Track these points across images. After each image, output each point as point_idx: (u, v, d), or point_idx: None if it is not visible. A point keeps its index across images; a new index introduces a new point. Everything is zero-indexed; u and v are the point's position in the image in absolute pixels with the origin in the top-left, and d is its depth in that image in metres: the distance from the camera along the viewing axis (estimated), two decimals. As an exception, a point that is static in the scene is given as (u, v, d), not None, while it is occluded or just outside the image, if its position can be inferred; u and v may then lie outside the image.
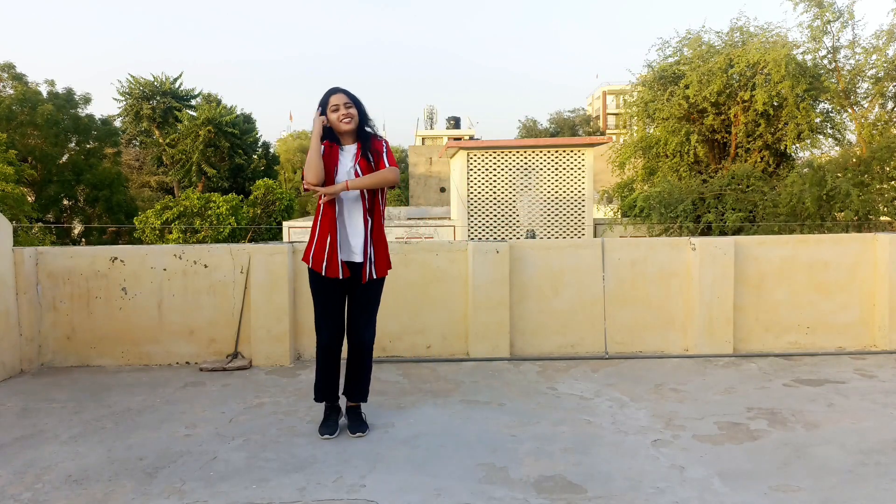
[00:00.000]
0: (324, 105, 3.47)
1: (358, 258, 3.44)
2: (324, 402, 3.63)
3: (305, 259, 3.51)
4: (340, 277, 3.40)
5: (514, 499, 2.79)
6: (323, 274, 3.41)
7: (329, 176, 3.40)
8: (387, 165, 3.44)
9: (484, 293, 5.18)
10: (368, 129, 3.54)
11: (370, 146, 3.48)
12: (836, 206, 13.50)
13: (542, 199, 19.02)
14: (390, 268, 3.60)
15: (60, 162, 28.67)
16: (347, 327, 3.57)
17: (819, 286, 5.39)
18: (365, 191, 3.41)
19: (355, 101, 3.48)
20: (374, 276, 3.48)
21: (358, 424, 3.57)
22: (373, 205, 3.46)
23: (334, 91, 3.47)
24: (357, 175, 3.42)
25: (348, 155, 3.48)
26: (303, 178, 3.44)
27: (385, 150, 3.51)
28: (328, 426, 3.55)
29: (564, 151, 19.05)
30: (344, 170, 3.44)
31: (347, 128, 3.44)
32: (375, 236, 3.47)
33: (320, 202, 3.41)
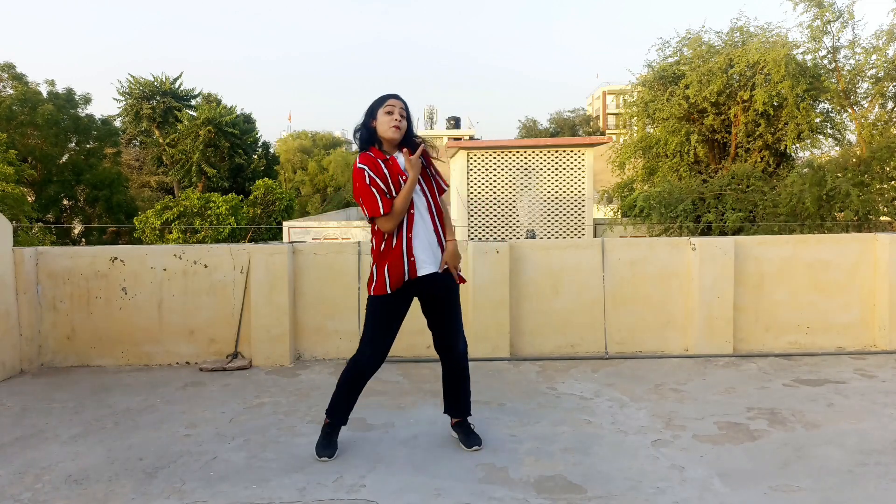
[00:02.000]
0: (377, 105, 3.20)
1: (434, 268, 3.21)
2: (333, 421, 3.31)
3: (378, 289, 3.17)
4: (412, 277, 3.17)
5: (514, 499, 2.79)
6: (406, 278, 3.14)
7: (396, 187, 3.13)
8: (444, 187, 3.35)
9: (484, 293, 5.18)
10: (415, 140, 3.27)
11: (426, 158, 3.24)
12: (836, 206, 13.50)
13: (542, 199, 19.02)
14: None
15: (60, 162, 28.68)
16: (442, 341, 3.34)
17: (819, 286, 5.39)
18: (431, 196, 3.25)
19: (408, 115, 3.23)
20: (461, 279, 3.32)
21: (474, 437, 3.36)
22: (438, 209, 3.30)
23: (395, 95, 3.22)
24: (423, 191, 3.21)
25: (399, 164, 3.22)
26: (371, 214, 3.12)
27: (436, 169, 3.33)
28: (331, 446, 3.26)
29: (564, 151, 19.05)
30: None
31: (393, 136, 3.15)
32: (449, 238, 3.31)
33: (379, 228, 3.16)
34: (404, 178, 3.14)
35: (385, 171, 3.14)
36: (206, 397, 4.30)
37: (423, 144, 3.22)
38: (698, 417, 3.77)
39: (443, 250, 3.25)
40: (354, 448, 3.37)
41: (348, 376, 3.26)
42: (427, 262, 3.18)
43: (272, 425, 3.74)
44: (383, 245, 3.18)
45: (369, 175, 3.12)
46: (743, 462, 3.13)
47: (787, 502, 2.73)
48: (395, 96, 3.21)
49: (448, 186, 3.35)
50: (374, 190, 3.11)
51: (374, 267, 3.21)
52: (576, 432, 3.56)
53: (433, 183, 3.29)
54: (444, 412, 3.48)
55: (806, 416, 3.77)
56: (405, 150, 3.16)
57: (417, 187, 3.18)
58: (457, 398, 3.42)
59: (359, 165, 3.15)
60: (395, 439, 3.48)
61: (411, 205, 3.17)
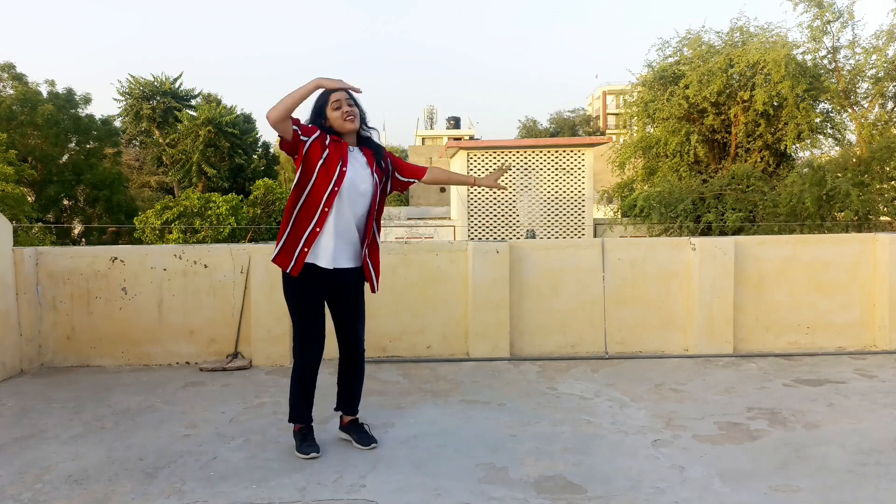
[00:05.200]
0: (322, 104, 3.15)
1: (349, 264, 3.21)
2: (302, 424, 3.35)
3: (281, 261, 3.15)
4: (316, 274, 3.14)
5: (514, 499, 2.79)
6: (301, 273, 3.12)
7: (331, 167, 3.07)
8: (391, 168, 3.34)
9: (484, 293, 5.18)
10: (366, 132, 3.27)
11: (383, 156, 3.28)
12: (836, 206, 13.51)
13: (542, 199, 19.02)
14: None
15: (60, 162, 28.66)
16: (344, 339, 3.38)
17: (819, 286, 5.39)
18: (379, 196, 3.25)
19: (355, 100, 3.20)
20: (376, 286, 3.33)
21: (368, 437, 3.40)
22: (381, 210, 3.33)
23: (330, 91, 3.11)
24: (377, 184, 3.20)
25: (359, 158, 3.21)
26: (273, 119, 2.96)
27: (395, 156, 3.38)
28: (313, 444, 3.29)
29: (564, 151, 19.05)
30: (355, 170, 3.14)
31: (351, 127, 3.13)
32: (374, 243, 3.31)
33: (297, 194, 3.12)
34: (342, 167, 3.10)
35: (325, 147, 3.09)
36: (206, 397, 4.30)
37: (381, 147, 3.31)
38: (698, 417, 3.77)
39: (364, 257, 3.25)
40: (354, 448, 3.37)
41: (302, 378, 3.30)
42: (331, 256, 3.13)
43: (272, 425, 3.73)
44: (292, 218, 3.15)
45: (312, 135, 3.10)
46: (743, 462, 3.13)
47: (787, 502, 2.73)
48: (333, 89, 3.10)
49: (412, 177, 3.41)
50: (306, 128, 3.13)
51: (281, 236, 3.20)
52: (576, 432, 3.56)
53: (379, 189, 3.25)
54: (336, 409, 3.54)
55: (806, 416, 3.77)
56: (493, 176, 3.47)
57: (366, 191, 3.15)
58: (349, 396, 3.48)
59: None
60: (395, 439, 3.48)
61: (329, 201, 3.07)
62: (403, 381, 4.63)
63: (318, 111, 3.17)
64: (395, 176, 3.37)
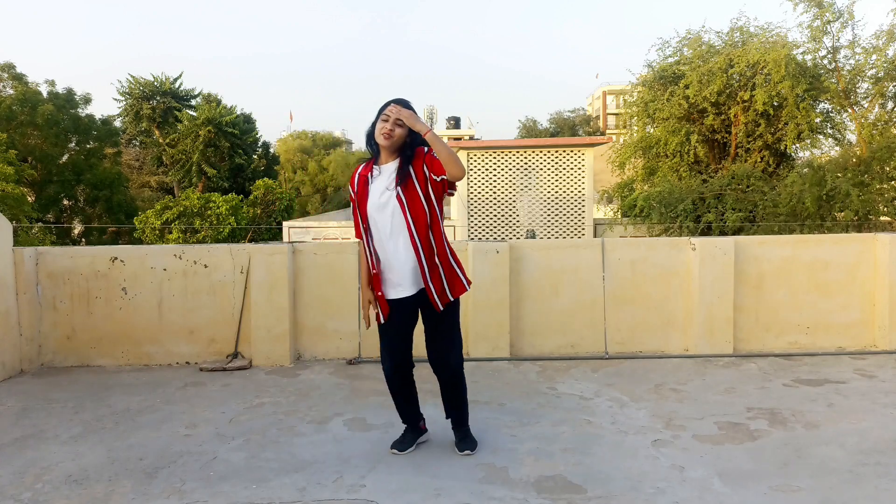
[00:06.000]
0: (380, 110, 3.11)
1: (407, 292, 3.11)
2: (405, 424, 3.41)
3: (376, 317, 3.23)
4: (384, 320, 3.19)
5: (514, 499, 2.79)
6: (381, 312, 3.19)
7: (362, 210, 3.13)
8: (427, 171, 3.03)
9: (484, 293, 5.18)
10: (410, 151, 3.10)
11: (410, 161, 3.06)
12: (836, 206, 13.50)
13: (542, 199, 19.02)
14: (469, 285, 3.23)
15: (60, 162, 28.67)
16: (430, 354, 3.28)
17: (819, 286, 5.39)
18: (408, 204, 3.03)
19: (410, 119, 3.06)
20: (450, 300, 3.15)
21: (464, 443, 3.33)
22: (432, 215, 3.08)
23: (395, 101, 3.08)
24: (399, 198, 3.02)
25: (385, 175, 3.10)
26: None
27: (427, 161, 3.05)
28: (402, 443, 3.35)
29: (564, 151, 19.05)
30: (375, 198, 3.08)
31: (383, 143, 3.06)
32: (440, 253, 3.11)
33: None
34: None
35: (355, 191, 3.18)
36: (206, 397, 4.30)
37: (419, 149, 3.09)
38: (698, 417, 3.77)
39: (425, 271, 3.08)
40: (354, 448, 3.37)
41: (389, 388, 3.32)
42: (396, 286, 3.13)
43: (272, 425, 3.73)
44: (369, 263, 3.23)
45: (350, 190, 3.23)
46: (743, 462, 3.13)
47: (787, 502, 2.73)
48: (397, 102, 3.08)
49: (447, 183, 3.09)
50: (353, 207, 3.23)
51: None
52: (576, 432, 3.56)
53: (421, 194, 3.05)
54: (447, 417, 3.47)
55: (806, 416, 3.77)
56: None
57: (389, 206, 3.05)
58: (450, 406, 3.39)
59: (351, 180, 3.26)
60: (394, 439, 3.48)
61: (368, 232, 3.15)
62: (403, 381, 4.63)
63: (375, 117, 3.14)
64: (432, 178, 3.06)
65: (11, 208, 19.63)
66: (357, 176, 3.20)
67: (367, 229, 3.16)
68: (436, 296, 3.10)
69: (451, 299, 3.15)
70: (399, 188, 3.03)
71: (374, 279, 3.20)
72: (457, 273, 3.17)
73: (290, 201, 27.92)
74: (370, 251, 3.18)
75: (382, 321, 3.20)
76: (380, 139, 3.07)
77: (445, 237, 3.20)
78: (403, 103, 3.09)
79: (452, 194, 3.17)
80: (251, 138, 38.83)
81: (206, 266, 5.16)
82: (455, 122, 62.90)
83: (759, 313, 5.37)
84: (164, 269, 5.15)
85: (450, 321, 3.21)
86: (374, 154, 3.19)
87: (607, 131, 58.65)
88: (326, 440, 3.49)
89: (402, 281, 3.11)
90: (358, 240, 3.26)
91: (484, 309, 5.18)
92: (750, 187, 14.77)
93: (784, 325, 5.38)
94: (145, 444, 3.47)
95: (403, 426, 3.43)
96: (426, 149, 3.06)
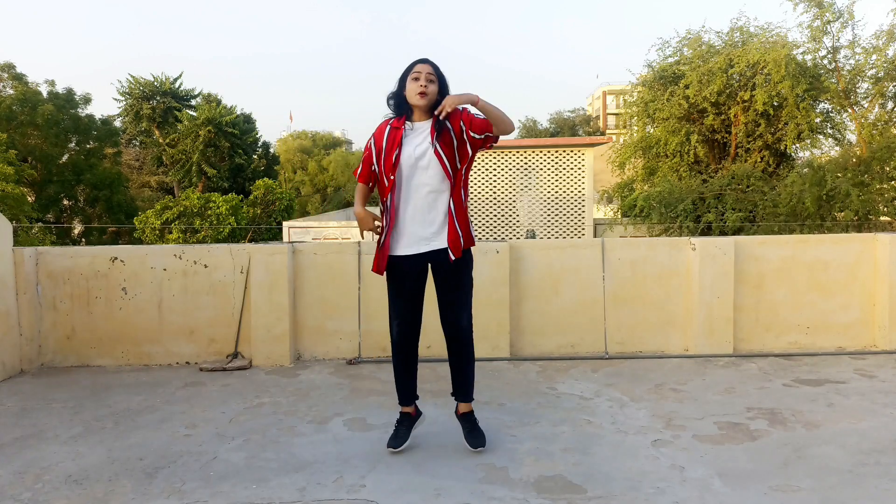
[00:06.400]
0: (406, 72, 3.13)
1: (423, 248, 3.14)
2: (401, 406, 3.38)
3: (373, 267, 3.25)
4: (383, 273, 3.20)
5: (514, 499, 2.79)
6: (373, 270, 3.23)
7: (387, 163, 3.11)
8: (464, 127, 3.08)
9: (484, 293, 5.17)
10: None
11: (449, 117, 3.07)
12: (836, 206, 13.51)
13: (542, 199, 19.02)
14: (472, 244, 3.23)
15: (60, 162, 28.69)
16: (442, 315, 3.27)
17: (819, 286, 5.39)
18: (448, 163, 3.06)
19: (439, 77, 3.13)
20: (459, 255, 3.14)
21: (477, 437, 3.28)
22: (466, 172, 3.16)
23: (421, 60, 3.14)
24: (437, 152, 3.04)
25: (419, 132, 3.12)
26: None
27: (465, 116, 3.10)
28: (397, 438, 3.31)
29: (564, 151, 19.05)
30: (410, 151, 3.08)
31: (419, 102, 3.08)
32: (464, 208, 3.16)
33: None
34: (397, 155, 3.10)
35: (384, 140, 3.17)
36: (206, 397, 4.30)
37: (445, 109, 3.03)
38: (698, 417, 3.77)
39: (454, 224, 3.11)
40: (354, 448, 3.37)
41: (392, 355, 3.35)
42: (407, 243, 3.15)
43: (272, 425, 3.73)
44: (383, 220, 3.24)
45: (371, 139, 3.25)
46: (743, 462, 3.13)
47: (787, 502, 2.73)
48: (423, 61, 3.15)
49: (490, 139, 3.13)
50: (365, 154, 3.26)
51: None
52: (576, 432, 3.56)
53: (457, 150, 3.10)
54: (451, 394, 3.46)
55: (806, 416, 3.77)
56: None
57: (425, 159, 3.07)
58: (456, 376, 3.38)
59: (375, 129, 3.26)
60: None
61: (392, 187, 3.12)
62: (403, 381, 4.62)
63: (402, 80, 3.17)
64: (470, 135, 3.11)
65: (11, 208, 19.64)
66: (388, 128, 3.18)
67: (394, 183, 3.13)
68: (462, 240, 3.13)
69: (463, 249, 3.17)
70: (437, 143, 3.07)
71: (386, 235, 3.18)
72: (468, 227, 3.22)
73: (290, 201, 27.95)
74: (389, 205, 3.16)
75: (379, 272, 3.22)
76: (415, 99, 3.09)
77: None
78: (428, 61, 3.16)
79: (492, 147, 3.27)
80: (251, 138, 38.86)
81: (206, 266, 5.17)
82: (455, 122, 62.77)
83: (759, 313, 5.37)
84: (164, 269, 5.15)
85: (467, 279, 3.25)
86: (401, 114, 3.19)
87: (607, 131, 58.66)
88: (326, 440, 3.49)
89: (419, 236, 3.14)
90: (361, 184, 3.30)
91: (484, 309, 5.18)
92: (750, 187, 14.78)
93: (784, 325, 5.38)
94: (145, 444, 3.47)
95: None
96: (461, 107, 3.08)
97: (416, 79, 3.09)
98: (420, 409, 3.48)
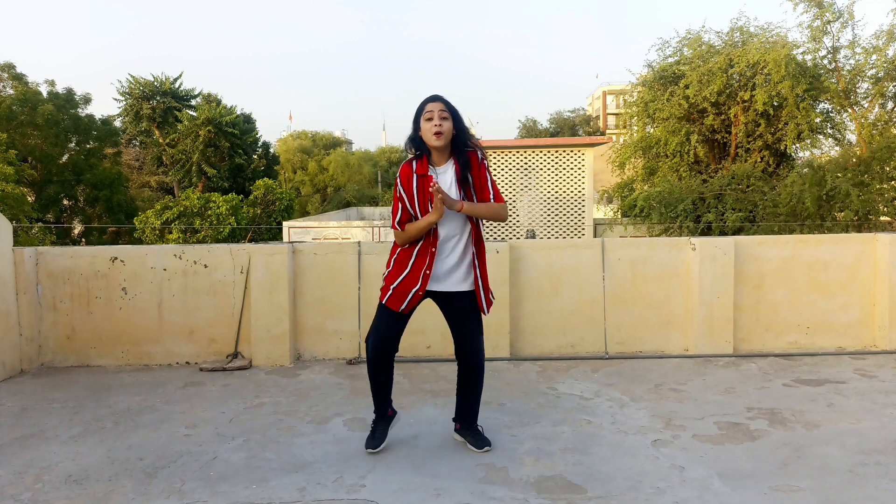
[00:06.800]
0: (418, 113, 3.13)
1: (456, 287, 3.19)
2: (375, 411, 3.37)
3: (384, 296, 3.19)
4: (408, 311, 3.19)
5: (514, 499, 2.79)
6: (399, 311, 3.15)
7: (423, 207, 3.11)
8: (492, 199, 3.15)
9: (484, 293, 5.17)
10: (467, 147, 3.17)
11: (469, 169, 3.13)
12: (836, 206, 13.51)
13: (542, 199, 19.02)
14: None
15: (60, 162, 28.69)
16: (457, 343, 3.31)
17: (819, 286, 5.39)
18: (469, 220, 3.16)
19: (452, 113, 3.12)
20: (486, 307, 3.25)
21: (482, 439, 3.33)
22: (479, 230, 3.23)
23: (432, 98, 3.13)
24: (462, 217, 3.14)
25: (444, 179, 3.14)
26: (392, 224, 3.24)
27: (490, 182, 3.18)
28: (374, 438, 3.31)
29: (564, 151, 19.05)
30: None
31: (437, 143, 3.08)
32: (482, 263, 3.23)
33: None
34: (431, 200, 3.06)
35: (414, 188, 3.12)
36: (206, 397, 4.30)
37: (473, 155, 3.16)
38: (698, 417, 3.77)
39: (476, 271, 3.21)
40: (354, 448, 3.37)
41: (368, 367, 3.30)
42: (442, 282, 3.19)
43: (272, 425, 3.73)
44: (395, 256, 3.23)
45: (399, 187, 3.19)
46: (743, 462, 3.13)
47: (787, 502, 2.73)
48: (434, 99, 3.13)
49: (502, 200, 3.22)
50: (398, 203, 3.18)
51: (386, 275, 3.24)
52: (576, 432, 3.56)
53: (475, 198, 3.17)
54: (453, 419, 3.47)
55: (806, 416, 3.77)
56: (435, 184, 3.01)
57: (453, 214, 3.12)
58: (465, 399, 3.37)
59: (399, 173, 3.23)
60: (395, 439, 3.48)
61: (434, 234, 3.13)
62: (403, 381, 4.63)
63: (416, 121, 3.17)
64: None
65: (11, 208, 19.64)
66: (414, 176, 3.14)
67: (433, 231, 3.14)
68: (489, 295, 3.28)
69: (491, 300, 3.30)
70: (462, 193, 3.13)
71: (411, 278, 3.15)
72: (487, 275, 3.31)
73: (290, 201, 27.95)
74: (429, 251, 3.14)
75: (400, 310, 3.17)
76: (432, 140, 3.09)
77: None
78: (440, 98, 3.14)
79: None
80: (251, 138, 38.84)
81: (206, 266, 5.17)
82: (455, 122, 62.78)
83: (759, 313, 5.37)
84: (164, 269, 5.15)
85: (480, 316, 3.33)
86: (419, 155, 3.18)
87: (607, 131, 58.66)
88: (326, 440, 3.49)
89: (448, 277, 3.18)
90: (393, 230, 3.23)
91: (484, 309, 5.18)
92: (750, 187, 14.78)
93: (784, 325, 5.38)
94: (145, 444, 3.47)
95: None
96: (480, 156, 3.17)
97: (430, 119, 3.08)
98: (395, 408, 3.49)
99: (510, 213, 19.03)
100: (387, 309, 3.20)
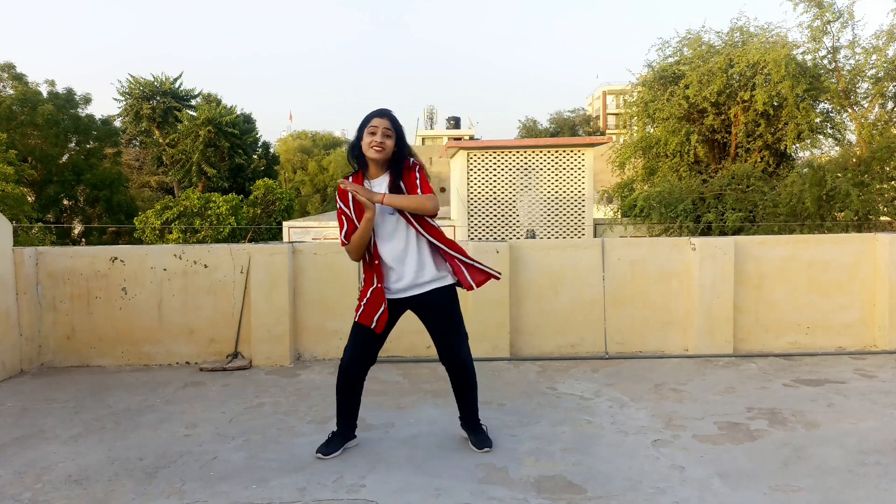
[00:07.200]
0: (363, 123, 3.14)
1: (433, 286, 3.19)
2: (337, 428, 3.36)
3: (362, 320, 3.17)
4: (381, 329, 3.16)
5: (514, 499, 2.79)
6: (373, 327, 3.14)
7: (360, 216, 3.12)
8: (419, 192, 3.11)
9: (484, 293, 5.16)
10: (402, 162, 3.18)
11: (402, 177, 3.14)
12: (836, 206, 13.50)
13: (542, 199, 19.02)
14: (485, 279, 3.25)
15: (60, 162, 28.68)
16: (440, 352, 3.30)
17: (819, 286, 5.39)
18: (408, 213, 3.12)
19: (397, 131, 3.14)
20: (473, 283, 3.19)
21: (483, 439, 3.33)
22: (422, 225, 3.15)
23: (379, 113, 3.14)
24: (403, 213, 3.12)
25: (379, 190, 3.13)
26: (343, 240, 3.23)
27: (419, 179, 3.16)
28: (328, 446, 3.29)
29: (564, 151, 19.04)
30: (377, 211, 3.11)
31: (375, 156, 3.11)
32: (451, 247, 3.20)
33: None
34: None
35: (350, 201, 3.16)
36: (206, 397, 4.30)
37: (406, 162, 3.18)
38: (698, 417, 3.77)
39: (447, 266, 3.21)
40: (354, 448, 3.37)
41: (337, 381, 3.30)
42: (401, 288, 3.19)
43: (272, 425, 3.73)
44: (364, 274, 3.26)
45: (339, 202, 3.22)
46: (743, 462, 3.13)
47: (787, 502, 2.73)
48: (381, 114, 3.14)
49: (430, 192, 3.19)
50: (342, 218, 3.21)
51: (360, 293, 3.25)
52: (576, 432, 3.56)
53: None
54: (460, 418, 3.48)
55: (806, 416, 3.77)
56: (344, 181, 3.09)
57: (393, 219, 3.14)
58: (462, 404, 3.40)
59: (337, 190, 3.24)
60: (395, 439, 3.48)
61: (373, 247, 3.15)
62: (403, 381, 4.63)
63: (359, 130, 3.18)
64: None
65: (11, 208, 19.64)
66: (350, 199, 3.17)
67: (372, 244, 3.16)
68: (474, 272, 3.21)
69: (484, 276, 3.23)
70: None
71: (377, 292, 3.17)
72: (476, 267, 3.25)
73: (290, 201, 27.92)
74: (373, 262, 3.19)
75: (373, 327, 3.16)
76: (370, 152, 3.11)
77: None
78: (387, 114, 3.14)
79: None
80: (251, 138, 38.81)
81: (206, 266, 5.16)
82: (455, 122, 62.90)
83: (759, 313, 5.37)
84: (164, 269, 5.15)
85: (456, 316, 3.29)
86: (358, 168, 3.23)
87: (607, 131, 58.64)
88: (325, 440, 3.49)
89: (403, 282, 3.19)
90: (343, 246, 3.24)
91: (484, 309, 5.18)
92: (750, 187, 14.77)
93: (784, 325, 5.38)
94: (145, 444, 3.47)
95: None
96: (411, 161, 3.18)
97: (373, 133, 3.11)
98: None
99: (510, 212, 19.03)
100: (360, 326, 3.21)
